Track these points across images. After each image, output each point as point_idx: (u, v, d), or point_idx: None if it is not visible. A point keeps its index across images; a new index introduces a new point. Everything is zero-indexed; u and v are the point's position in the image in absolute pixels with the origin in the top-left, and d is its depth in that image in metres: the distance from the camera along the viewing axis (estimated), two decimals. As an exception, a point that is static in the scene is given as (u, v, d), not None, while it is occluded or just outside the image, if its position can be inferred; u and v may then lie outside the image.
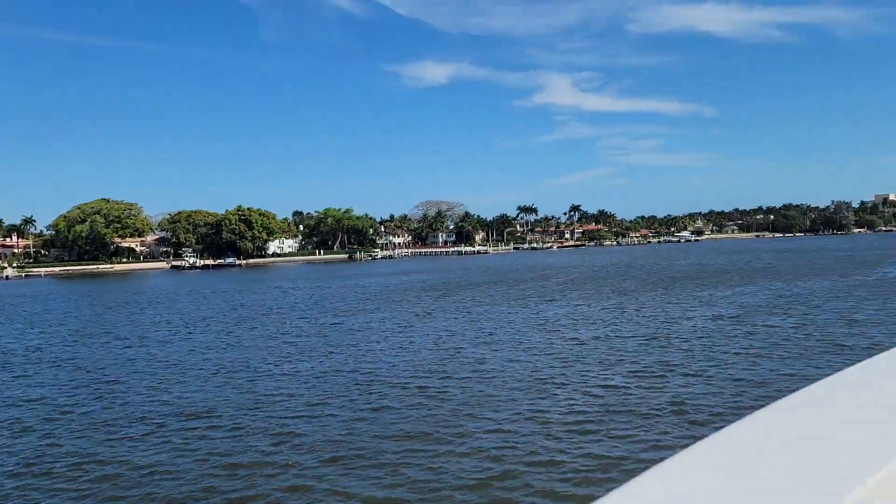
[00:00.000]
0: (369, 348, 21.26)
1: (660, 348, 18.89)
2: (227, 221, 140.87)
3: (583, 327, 23.92)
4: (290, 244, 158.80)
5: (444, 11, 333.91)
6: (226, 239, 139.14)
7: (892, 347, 1.13)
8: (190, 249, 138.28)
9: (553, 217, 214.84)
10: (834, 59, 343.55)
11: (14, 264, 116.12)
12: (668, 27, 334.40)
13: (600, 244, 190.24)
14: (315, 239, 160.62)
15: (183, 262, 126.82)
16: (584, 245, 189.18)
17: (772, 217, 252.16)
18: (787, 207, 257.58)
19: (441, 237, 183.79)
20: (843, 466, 0.71)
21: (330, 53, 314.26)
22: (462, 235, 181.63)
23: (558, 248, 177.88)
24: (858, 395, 0.93)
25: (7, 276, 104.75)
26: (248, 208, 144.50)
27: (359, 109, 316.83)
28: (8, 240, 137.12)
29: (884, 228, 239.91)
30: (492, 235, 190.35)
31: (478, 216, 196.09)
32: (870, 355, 1.07)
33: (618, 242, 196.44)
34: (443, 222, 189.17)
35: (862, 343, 18.26)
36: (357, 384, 15.91)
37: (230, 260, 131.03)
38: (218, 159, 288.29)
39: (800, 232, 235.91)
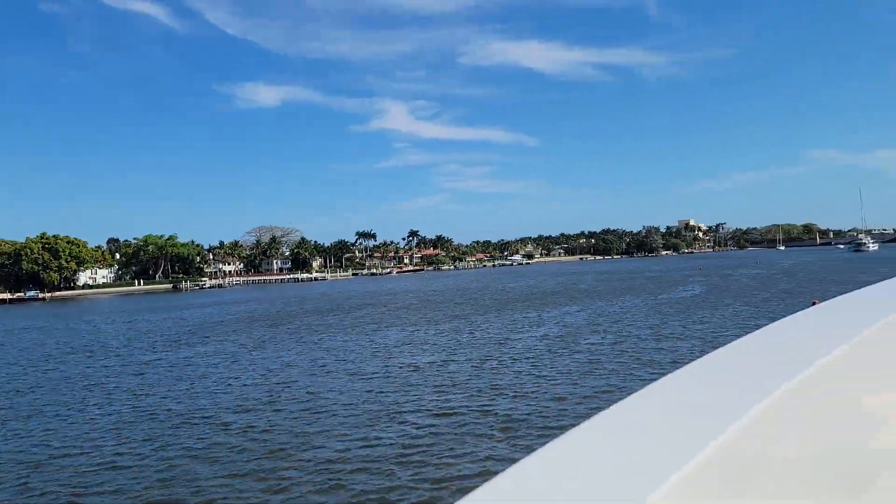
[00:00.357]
0: (189, 386, 19.58)
1: (491, 370, 19.25)
2: (28, 250, 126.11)
3: (418, 353, 23.87)
4: (104, 274, 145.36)
5: (277, 34, 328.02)
6: (26, 270, 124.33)
7: (691, 362, 1.22)
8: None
9: (392, 242, 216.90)
10: (641, 97, 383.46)
11: None
12: (496, 61, 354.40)
13: (438, 269, 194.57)
14: (134, 268, 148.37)
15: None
16: (422, 270, 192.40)
17: (593, 241, 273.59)
18: (605, 232, 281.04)
19: (276, 264, 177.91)
20: (636, 478, 0.76)
21: (150, 71, 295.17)
22: (298, 262, 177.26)
23: (398, 273, 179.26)
24: (661, 408, 1.00)
25: None
26: (55, 236, 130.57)
27: (184, 129, 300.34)
28: None
29: (686, 251, 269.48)
30: (330, 262, 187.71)
31: (315, 242, 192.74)
32: (673, 370, 1.16)
33: (455, 267, 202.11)
34: (278, 249, 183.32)
35: (668, 358, 19.88)
36: (173, 427, 14.47)
37: (31, 293, 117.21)
38: (16, 182, 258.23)
39: (617, 255, 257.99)
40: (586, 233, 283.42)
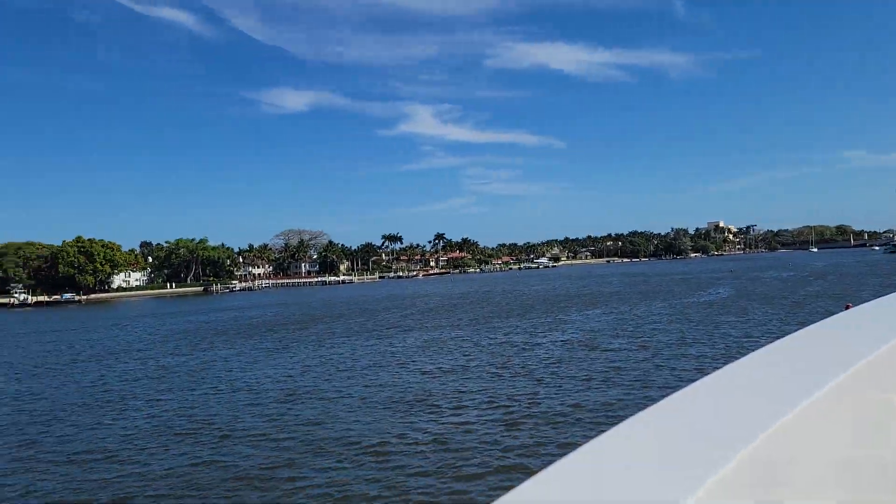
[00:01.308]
0: (207, 391, 19.59)
1: (511, 377, 18.96)
2: (65, 254, 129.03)
3: (438, 358, 23.66)
4: (137, 277, 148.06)
5: (303, 39, 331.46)
6: (63, 273, 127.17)
7: (723, 366, 1.21)
8: (20, 285, 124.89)
9: (418, 245, 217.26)
10: (667, 97, 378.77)
11: None
12: (522, 64, 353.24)
13: (464, 272, 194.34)
14: (166, 271, 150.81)
15: (11, 300, 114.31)
16: (448, 273, 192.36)
17: (620, 243, 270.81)
18: (633, 234, 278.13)
19: (304, 267, 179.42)
20: (672, 481, 0.75)
21: (179, 78, 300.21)
22: (326, 265, 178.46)
23: (424, 276, 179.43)
24: (694, 412, 1.01)
25: None
26: (90, 239, 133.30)
27: (214, 135, 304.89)
28: None
29: (716, 253, 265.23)
30: (357, 265, 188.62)
31: (342, 245, 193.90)
32: (702, 375, 1.16)
33: (481, 270, 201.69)
34: (306, 252, 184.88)
35: (693, 364, 19.38)
36: (184, 433, 14.41)
37: (68, 296, 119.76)
38: (53, 188, 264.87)
39: (645, 257, 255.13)
40: (613, 235, 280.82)
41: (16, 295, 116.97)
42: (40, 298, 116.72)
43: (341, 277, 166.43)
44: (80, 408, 18.16)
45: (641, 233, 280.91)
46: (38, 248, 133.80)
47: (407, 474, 10.79)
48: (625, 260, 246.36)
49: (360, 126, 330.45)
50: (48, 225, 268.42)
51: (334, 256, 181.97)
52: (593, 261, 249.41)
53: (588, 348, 23.87)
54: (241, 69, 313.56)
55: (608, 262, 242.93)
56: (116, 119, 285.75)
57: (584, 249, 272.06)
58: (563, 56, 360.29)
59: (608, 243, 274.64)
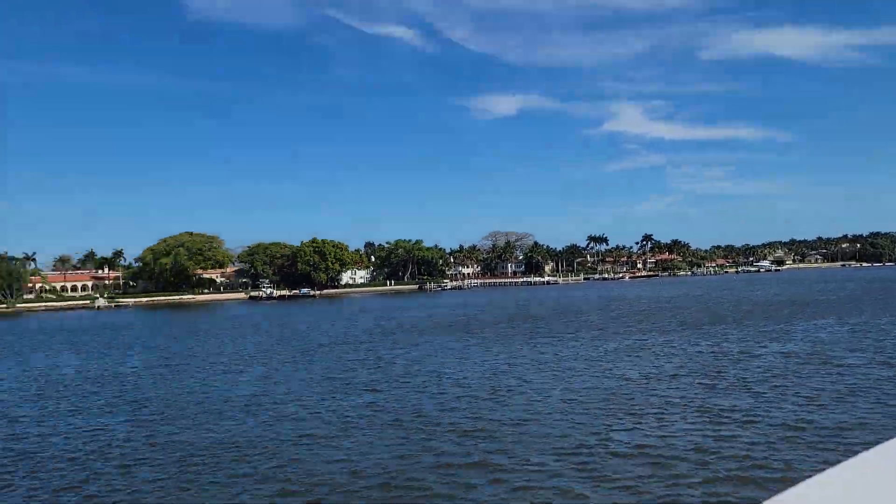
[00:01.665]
0: (418, 384, 21.01)
1: (723, 389, 18.03)
2: (302, 253, 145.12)
3: (642, 364, 23.05)
4: (362, 275, 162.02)
5: (514, 45, 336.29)
6: (301, 270, 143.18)
7: None
8: (267, 280, 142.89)
9: (624, 247, 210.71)
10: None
11: (105, 295, 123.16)
12: (741, 53, 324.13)
13: (674, 274, 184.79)
14: (386, 270, 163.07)
15: (260, 293, 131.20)
16: (657, 275, 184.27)
17: (858, 246, 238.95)
18: (874, 236, 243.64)
19: (510, 267, 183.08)
20: None
21: (402, 89, 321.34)
22: (531, 266, 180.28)
23: (630, 278, 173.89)
24: None
25: (99, 307, 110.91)
26: (323, 240, 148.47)
27: (429, 142, 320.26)
28: (100, 272, 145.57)
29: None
30: (561, 266, 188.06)
31: (547, 246, 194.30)
32: None
33: (692, 272, 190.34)
34: (512, 253, 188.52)
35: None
36: (396, 424, 15.70)
37: (305, 290, 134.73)
38: (293, 193, 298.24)
39: (889, 261, 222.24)
40: (849, 236, 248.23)
41: (264, 289, 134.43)
42: (282, 292, 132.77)
43: (546, 278, 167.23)
44: (309, 394, 20.43)
45: (885, 234, 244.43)
46: (281, 248, 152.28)
47: (608, 486, 10.83)
48: (864, 264, 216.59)
49: (565, 127, 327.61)
50: (287, 226, 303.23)
51: (539, 258, 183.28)
52: (825, 265, 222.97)
53: (818, 362, 21.92)
54: (456, 78, 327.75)
55: (843, 265, 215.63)
56: (345, 132, 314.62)
57: (813, 252, 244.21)
58: (791, 41, 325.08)
59: (843, 245, 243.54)
